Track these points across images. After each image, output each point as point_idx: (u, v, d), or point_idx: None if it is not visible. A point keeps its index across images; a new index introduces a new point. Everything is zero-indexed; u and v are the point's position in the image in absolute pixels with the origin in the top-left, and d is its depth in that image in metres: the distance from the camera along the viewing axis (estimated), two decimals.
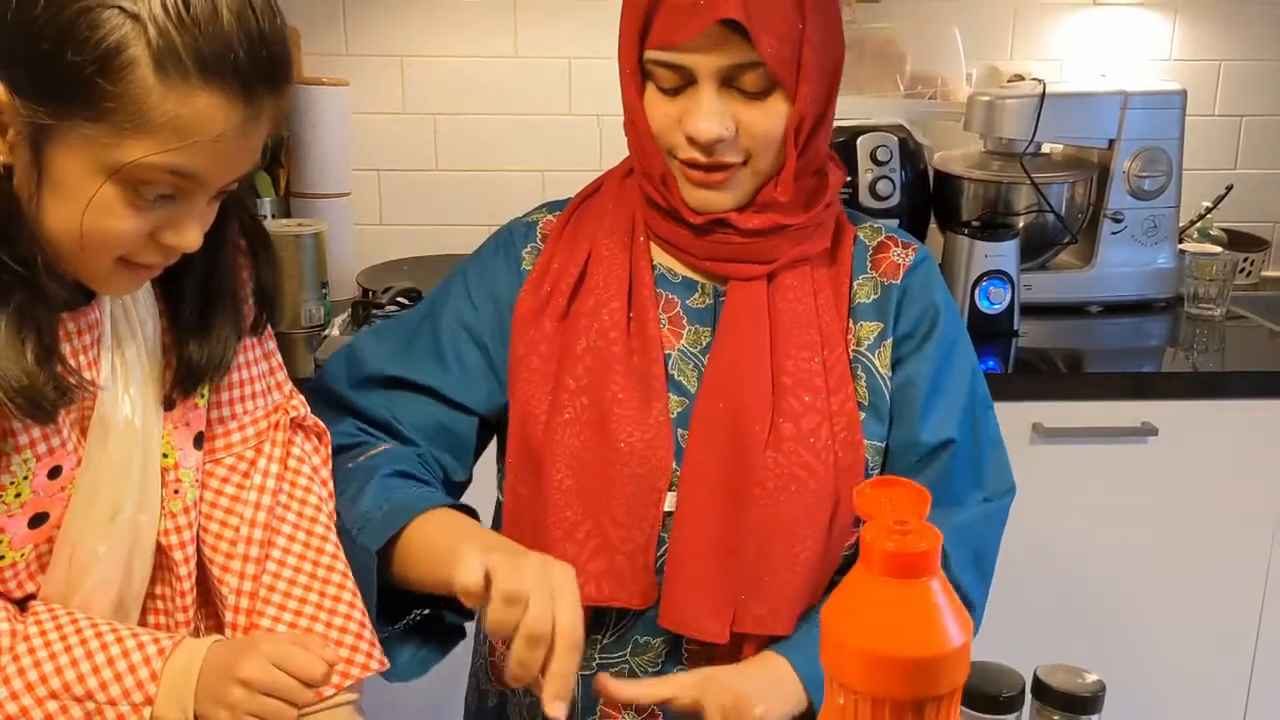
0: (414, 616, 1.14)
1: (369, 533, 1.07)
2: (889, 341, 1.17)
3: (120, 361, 0.97)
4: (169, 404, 1.01)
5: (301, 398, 1.13)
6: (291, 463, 1.08)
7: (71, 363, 0.92)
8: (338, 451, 1.15)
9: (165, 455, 1.00)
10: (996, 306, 2.15)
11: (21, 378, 0.85)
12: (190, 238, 0.90)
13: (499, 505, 1.26)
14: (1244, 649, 2.13)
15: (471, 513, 1.11)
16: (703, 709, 1.02)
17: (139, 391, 0.98)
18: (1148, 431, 2.01)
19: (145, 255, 0.90)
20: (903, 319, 1.18)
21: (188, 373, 1.01)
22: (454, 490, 1.21)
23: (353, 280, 2.27)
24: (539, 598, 0.91)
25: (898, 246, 1.21)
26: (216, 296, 1.01)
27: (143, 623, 1.03)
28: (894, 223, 1.58)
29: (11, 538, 0.92)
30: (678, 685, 1.04)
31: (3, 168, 0.86)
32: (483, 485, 1.28)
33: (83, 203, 0.85)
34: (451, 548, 0.98)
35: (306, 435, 1.11)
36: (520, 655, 0.91)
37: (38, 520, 0.93)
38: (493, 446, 1.26)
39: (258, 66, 0.85)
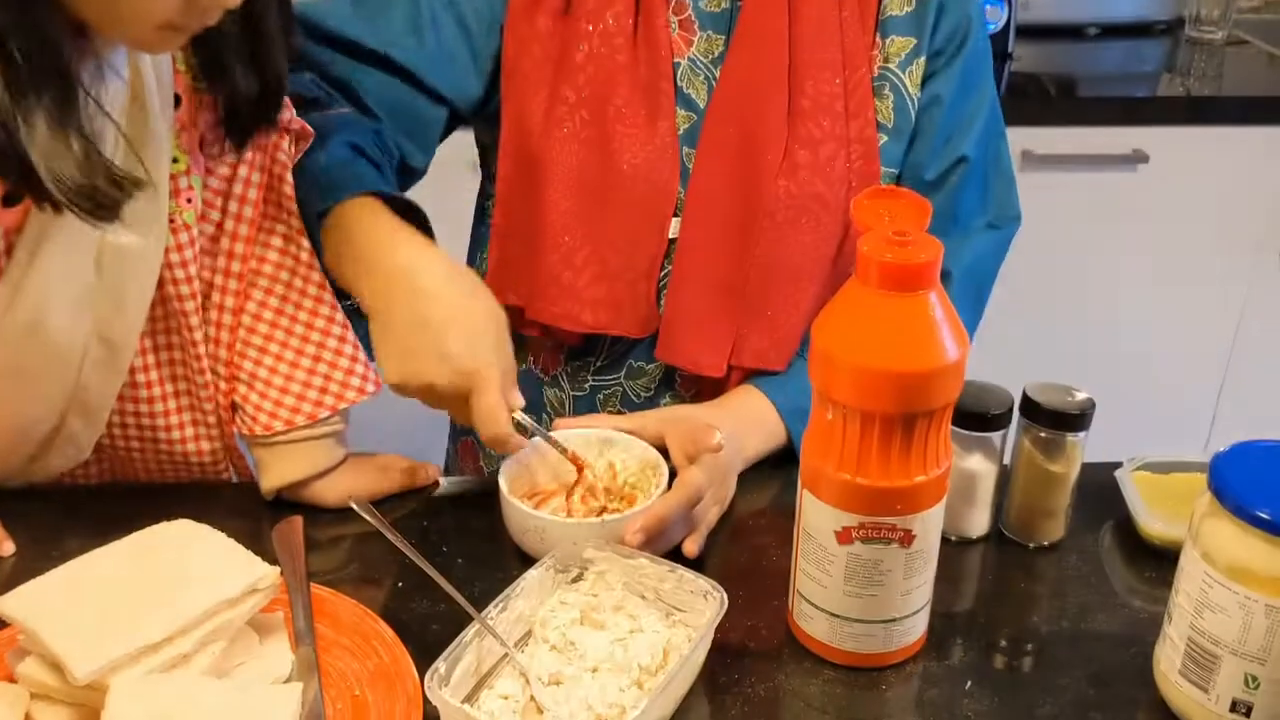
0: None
1: (312, 193, 0.98)
2: (922, 60, 1.08)
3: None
4: (176, 102, 0.91)
5: (285, 98, 1.01)
6: (276, 169, 0.99)
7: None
8: (296, 105, 1.02)
9: (176, 160, 0.92)
10: (992, 26, 2.04)
11: (77, 177, 0.77)
12: None
13: (479, 224, 1.20)
14: (1217, 367, 2.17)
15: (416, 210, 1.00)
16: (665, 443, 0.98)
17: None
18: (1138, 159, 1.96)
19: (187, 19, 0.79)
20: (938, 34, 1.08)
21: (249, 111, 0.91)
22: (408, 178, 1.12)
23: None
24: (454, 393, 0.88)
25: None
26: (260, 27, 0.88)
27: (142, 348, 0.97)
28: None
29: None
30: (642, 421, 1.00)
31: None
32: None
33: None
34: (354, 275, 0.93)
35: (293, 140, 1.02)
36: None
37: None
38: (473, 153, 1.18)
39: None
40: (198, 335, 0.98)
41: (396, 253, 0.93)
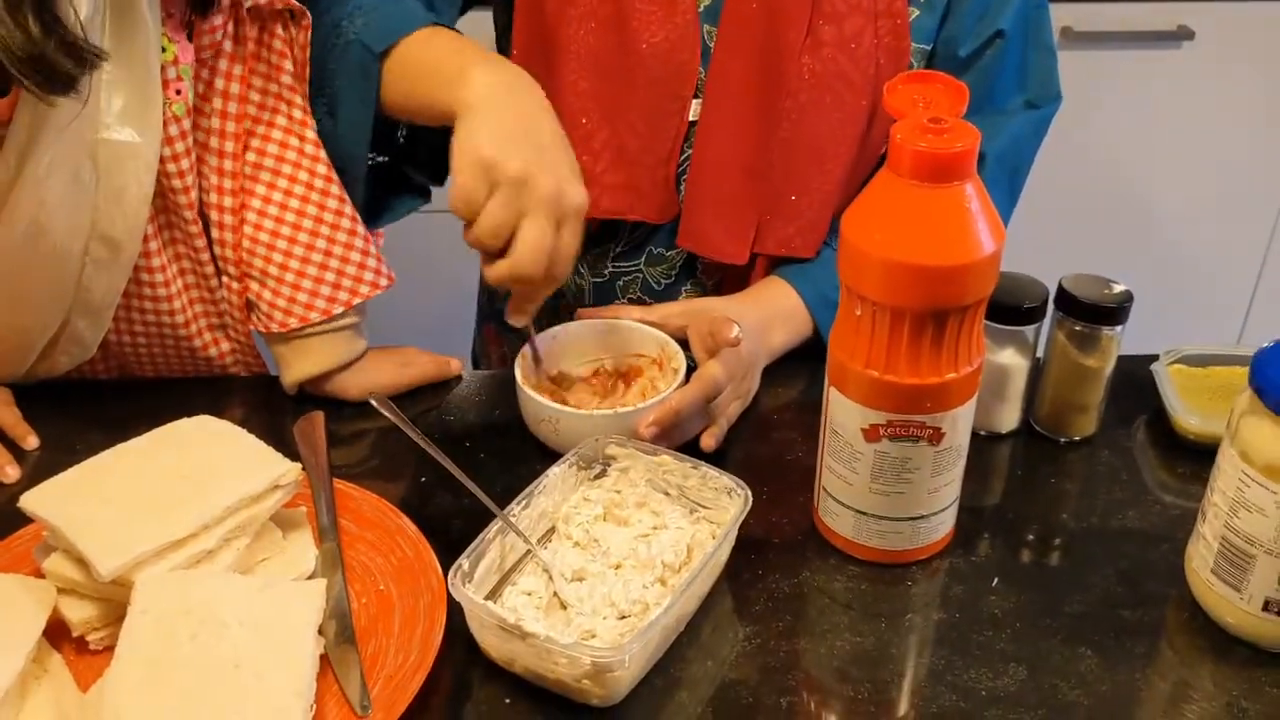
0: (371, 159, 1.01)
1: (369, 30, 0.93)
2: None
3: None
4: None
5: None
6: (272, 57, 0.96)
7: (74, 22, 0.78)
8: None
9: (164, 49, 0.89)
10: None
11: (27, 44, 0.74)
12: None
13: None
14: (1255, 257, 2.12)
15: None
16: (686, 336, 0.97)
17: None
18: (1184, 35, 1.88)
19: None
20: None
21: None
22: None
23: None
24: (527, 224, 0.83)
25: None
26: None
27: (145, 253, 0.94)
28: None
29: None
30: (665, 312, 1.00)
31: None
32: None
33: None
34: (460, 71, 0.86)
35: (285, 23, 0.98)
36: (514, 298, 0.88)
37: None
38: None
39: None
40: (193, 229, 0.96)
41: (504, 64, 0.89)
